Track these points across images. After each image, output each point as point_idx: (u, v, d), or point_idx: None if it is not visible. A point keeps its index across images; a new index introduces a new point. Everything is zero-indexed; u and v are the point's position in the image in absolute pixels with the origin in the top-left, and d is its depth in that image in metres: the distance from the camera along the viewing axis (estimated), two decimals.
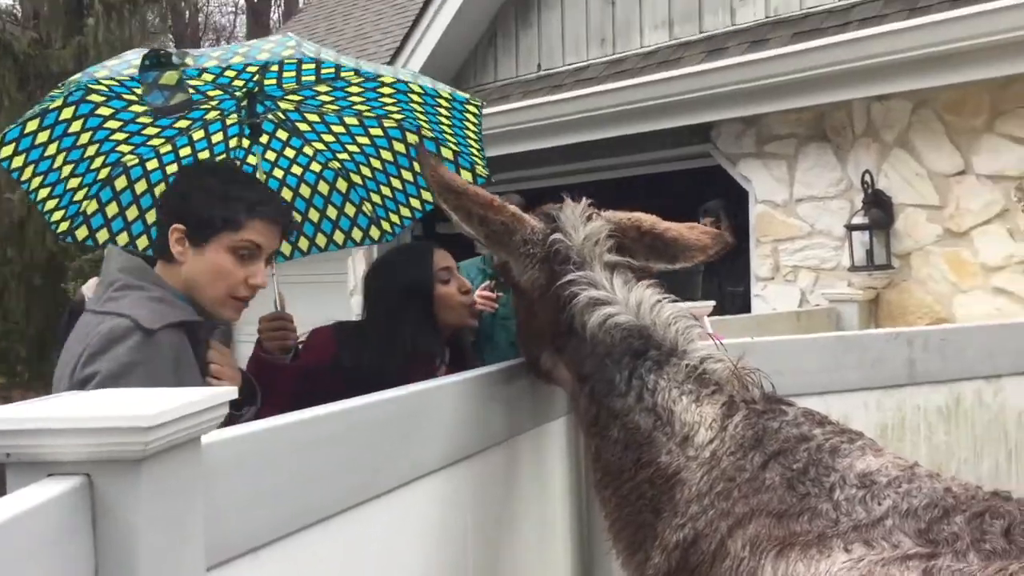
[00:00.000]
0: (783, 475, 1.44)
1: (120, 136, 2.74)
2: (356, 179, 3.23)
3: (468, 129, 3.00)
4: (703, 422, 1.60)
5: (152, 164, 2.88)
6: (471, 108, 2.93)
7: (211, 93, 2.75)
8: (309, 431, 1.43)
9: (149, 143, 2.84)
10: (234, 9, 31.82)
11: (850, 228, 5.94)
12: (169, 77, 2.13)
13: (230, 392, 1.20)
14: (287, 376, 2.60)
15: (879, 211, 5.84)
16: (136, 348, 1.96)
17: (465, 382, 2.00)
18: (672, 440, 1.61)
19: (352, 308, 9.14)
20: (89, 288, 5.77)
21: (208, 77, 2.55)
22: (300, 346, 2.84)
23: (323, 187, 3.24)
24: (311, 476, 1.42)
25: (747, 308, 6.57)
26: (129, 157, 2.83)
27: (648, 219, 1.99)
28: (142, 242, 2.89)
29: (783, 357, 2.68)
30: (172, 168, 2.91)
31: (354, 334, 2.87)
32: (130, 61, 2.33)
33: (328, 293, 8.78)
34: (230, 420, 1.23)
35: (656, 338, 1.74)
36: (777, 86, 5.94)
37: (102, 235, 2.87)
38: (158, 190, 2.86)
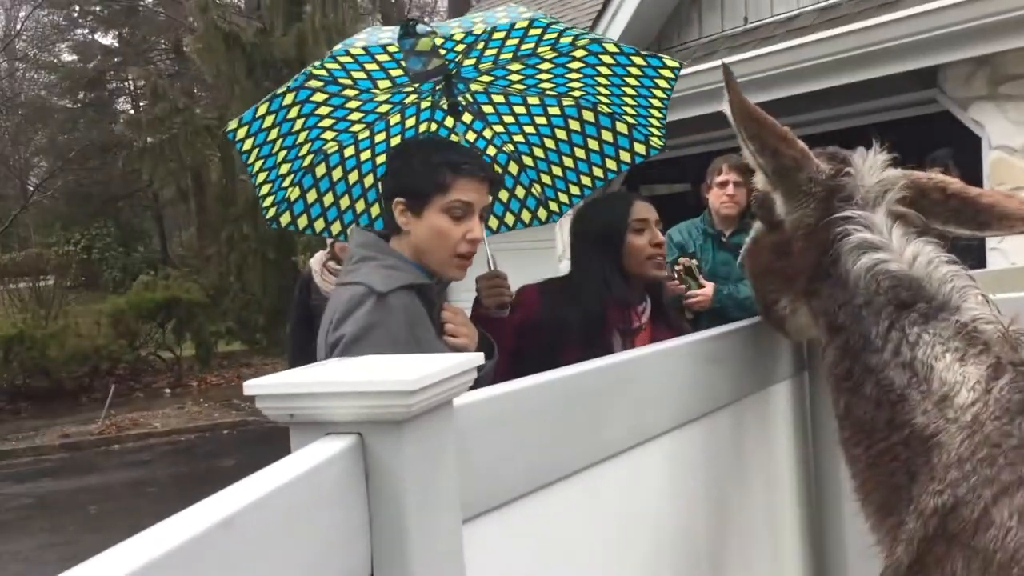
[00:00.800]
0: None
1: (327, 123, 2.85)
2: (528, 161, 3.27)
3: (655, 96, 2.97)
4: (965, 383, 1.49)
5: (348, 151, 2.98)
6: (665, 72, 2.91)
7: None
8: (549, 393, 1.50)
9: (350, 130, 2.95)
10: None
11: None
12: (424, 44, 2.27)
13: (478, 358, 1.27)
14: (505, 332, 2.70)
15: None
16: (372, 310, 2.16)
17: (691, 345, 2.02)
18: (928, 399, 1.51)
19: (561, 273, 9.27)
20: (316, 261, 6.16)
21: (460, 45, 2.61)
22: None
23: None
24: (552, 436, 1.48)
25: (982, 263, 6.13)
26: (330, 144, 2.94)
27: (954, 182, 1.85)
28: (335, 228, 3.02)
29: None
30: (365, 155, 3.00)
31: (557, 288, 2.93)
32: (376, 35, 2.48)
33: (536, 260, 8.94)
34: None
35: (928, 292, 1.62)
36: (1015, 21, 5.46)
37: (302, 221, 3.01)
38: (351, 177, 2.99)
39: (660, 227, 2.94)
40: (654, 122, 3.09)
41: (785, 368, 2.46)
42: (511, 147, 3.25)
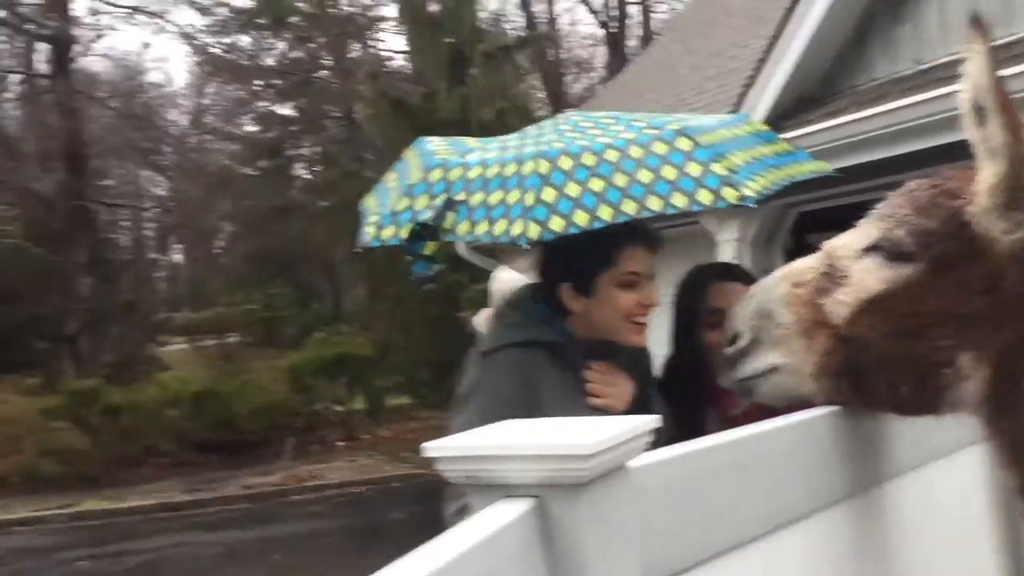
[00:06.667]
0: None
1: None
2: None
3: (782, 169, 2.55)
4: None
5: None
6: (809, 166, 2.61)
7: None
8: (727, 456, 1.47)
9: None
10: (593, 41, 33.14)
11: None
12: (431, 248, 2.29)
13: (653, 420, 1.26)
14: None
15: None
16: (479, 368, 2.32)
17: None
18: None
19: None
20: (480, 319, 6.29)
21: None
22: None
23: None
24: (731, 500, 1.45)
25: None
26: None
27: None
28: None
29: None
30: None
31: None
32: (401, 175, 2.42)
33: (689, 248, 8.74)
34: None
35: None
36: None
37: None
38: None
39: None
40: (760, 181, 2.52)
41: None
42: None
